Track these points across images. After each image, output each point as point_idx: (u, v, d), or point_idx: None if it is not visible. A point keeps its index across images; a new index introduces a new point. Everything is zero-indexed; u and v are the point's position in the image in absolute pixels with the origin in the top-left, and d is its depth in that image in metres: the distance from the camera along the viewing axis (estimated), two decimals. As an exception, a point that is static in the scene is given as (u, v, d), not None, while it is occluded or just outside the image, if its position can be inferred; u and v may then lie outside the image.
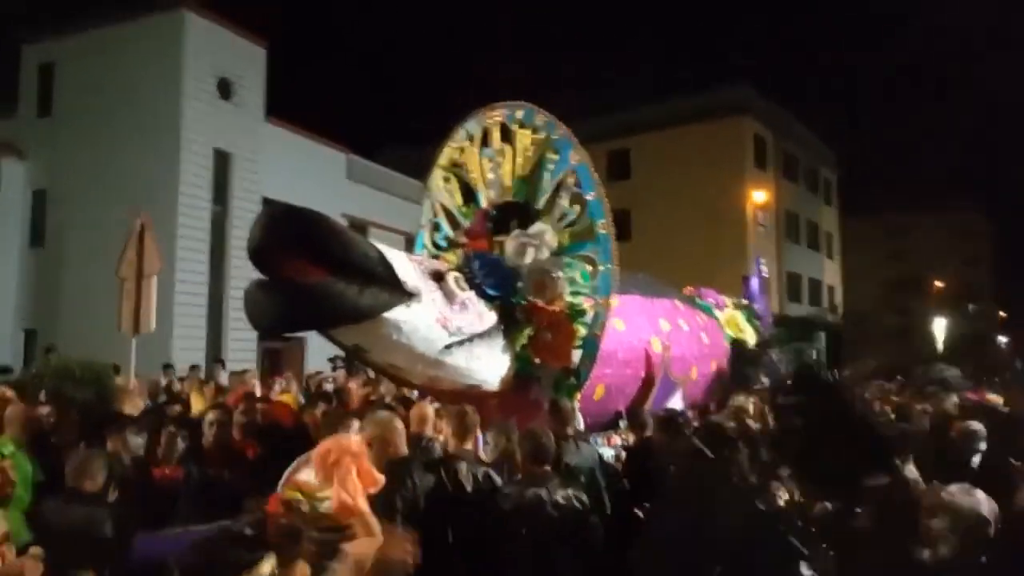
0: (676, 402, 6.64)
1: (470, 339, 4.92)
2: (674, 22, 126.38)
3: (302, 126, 20.97)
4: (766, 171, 33.71)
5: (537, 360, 5.40)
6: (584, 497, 3.88)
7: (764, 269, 10.97)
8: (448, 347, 4.76)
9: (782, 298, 33.63)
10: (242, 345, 17.57)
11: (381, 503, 3.43)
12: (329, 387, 10.32)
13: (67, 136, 18.22)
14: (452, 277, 4.95)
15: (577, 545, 3.77)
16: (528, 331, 5.38)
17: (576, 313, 5.58)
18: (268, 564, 1.87)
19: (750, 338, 8.90)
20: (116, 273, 8.36)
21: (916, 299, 55.58)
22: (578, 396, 5.54)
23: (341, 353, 17.37)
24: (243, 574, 1.81)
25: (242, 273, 17.91)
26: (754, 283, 10.67)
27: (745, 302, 9.89)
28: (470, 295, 5.08)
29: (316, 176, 20.54)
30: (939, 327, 40.97)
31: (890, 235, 61.51)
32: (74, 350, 10.50)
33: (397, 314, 4.38)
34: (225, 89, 17.95)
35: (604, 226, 5.76)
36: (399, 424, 3.83)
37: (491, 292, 5.29)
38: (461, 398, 5.11)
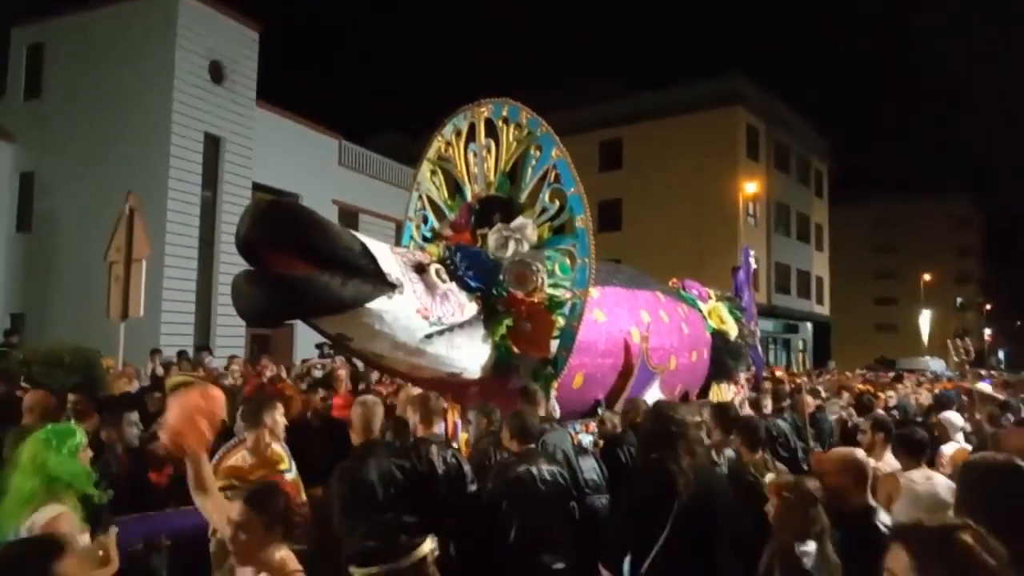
0: (654, 391, 6.76)
1: (450, 329, 5.09)
2: (667, 11, 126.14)
3: (294, 111, 20.88)
4: (758, 161, 33.79)
5: (516, 350, 5.55)
6: (565, 473, 4.20)
7: (753, 260, 11.08)
8: (428, 336, 4.93)
9: (770, 289, 33.80)
10: (230, 331, 17.54)
11: (347, 480, 3.89)
12: (318, 373, 10.35)
13: (56, 119, 18.06)
14: (434, 269, 5.09)
15: (562, 517, 4.11)
16: (508, 321, 5.52)
17: (555, 305, 5.73)
18: None
19: (732, 330, 9.06)
20: (104, 257, 8.33)
21: (904, 290, 56.06)
22: (556, 384, 5.73)
23: (328, 341, 17.44)
24: None
25: (232, 259, 17.84)
26: (741, 274, 10.76)
27: (728, 295, 10.03)
28: (451, 286, 5.23)
29: (308, 162, 20.46)
30: (925, 319, 41.37)
31: (879, 225, 61.83)
32: (62, 335, 10.49)
33: (379, 305, 4.54)
34: (217, 73, 17.82)
35: (583, 221, 5.92)
36: (379, 409, 4.19)
37: (472, 284, 5.43)
38: (442, 386, 5.36)
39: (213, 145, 17.75)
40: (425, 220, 6.64)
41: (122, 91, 17.11)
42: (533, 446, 4.27)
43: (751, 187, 29.47)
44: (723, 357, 8.73)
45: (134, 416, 4.77)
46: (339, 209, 20.98)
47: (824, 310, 41.23)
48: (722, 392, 8.52)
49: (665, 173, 31.98)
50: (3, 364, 7.93)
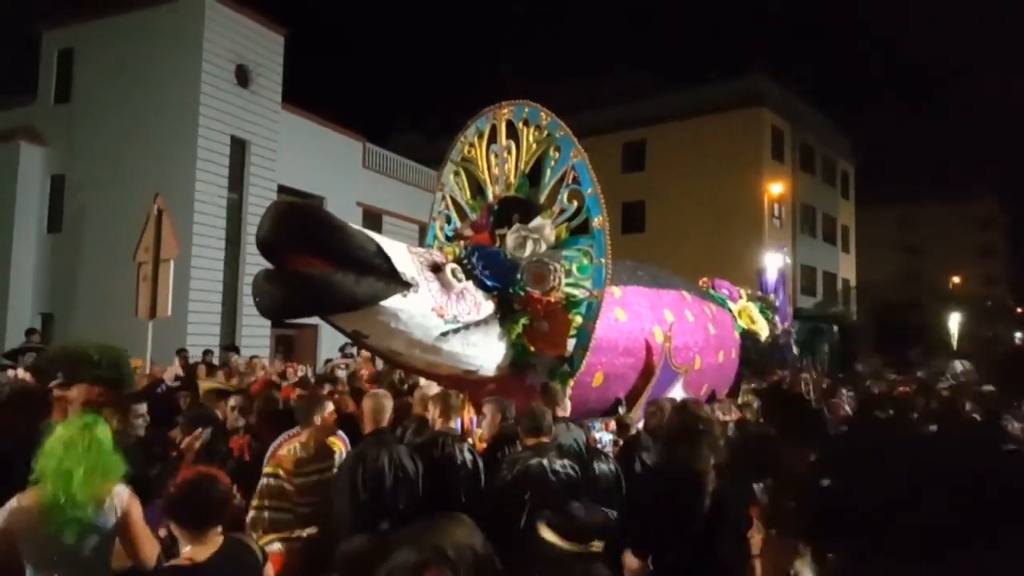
0: (677, 391, 6.76)
1: (466, 327, 5.19)
2: (691, 11, 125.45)
3: (319, 114, 21.04)
4: (783, 163, 33.47)
5: (532, 348, 5.64)
6: (577, 467, 4.32)
7: (787, 257, 11.05)
8: (444, 334, 5.05)
9: (796, 291, 33.48)
10: (256, 332, 17.70)
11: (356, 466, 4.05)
12: (342, 373, 10.41)
13: (86, 122, 18.35)
14: (449, 268, 5.19)
15: None
16: (524, 320, 5.60)
17: (572, 304, 5.81)
18: None
19: (763, 330, 8.98)
20: (133, 257, 8.44)
21: (930, 293, 55.20)
22: (571, 383, 5.79)
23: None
24: None
25: (257, 260, 17.78)
26: (770, 277, 10.70)
27: (760, 294, 9.96)
28: (467, 285, 5.34)
29: (332, 164, 20.61)
30: (954, 322, 40.71)
31: (905, 226, 61.00)
32: (91, 335, 10.63)
33: (394, 303, 4.67)
34: (243, 76, 18.01)
35: (600, 222, 5.98)
36: (388, 402, 4.48)
37: (489, 283, 5.52)
38: (460, 383, 5.50)
39: (239, 148, 17.93)
40: (448, 220, 6.76)
41: (150, 95, 17.34)
42: (546, 440, 4.38)
43: (776, 188, 29.20)
44: (752, 357, 8.69)
45: (141, 408, 4.89)
46: (363, 211, 21.11)
47: (851, 313, 40.74)
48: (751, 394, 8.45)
49: (689, 174, 31.77)
50: (36, 362, 8.05)
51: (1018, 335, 57.57)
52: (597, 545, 2.48)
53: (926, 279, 58.03)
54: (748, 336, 8.77)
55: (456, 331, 5.12)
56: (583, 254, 6.02)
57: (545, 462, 4.19)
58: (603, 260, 5.92)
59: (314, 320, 20.91)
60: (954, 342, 39.21)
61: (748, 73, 33.38)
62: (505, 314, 5.57)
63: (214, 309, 17.02)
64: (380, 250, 4.63)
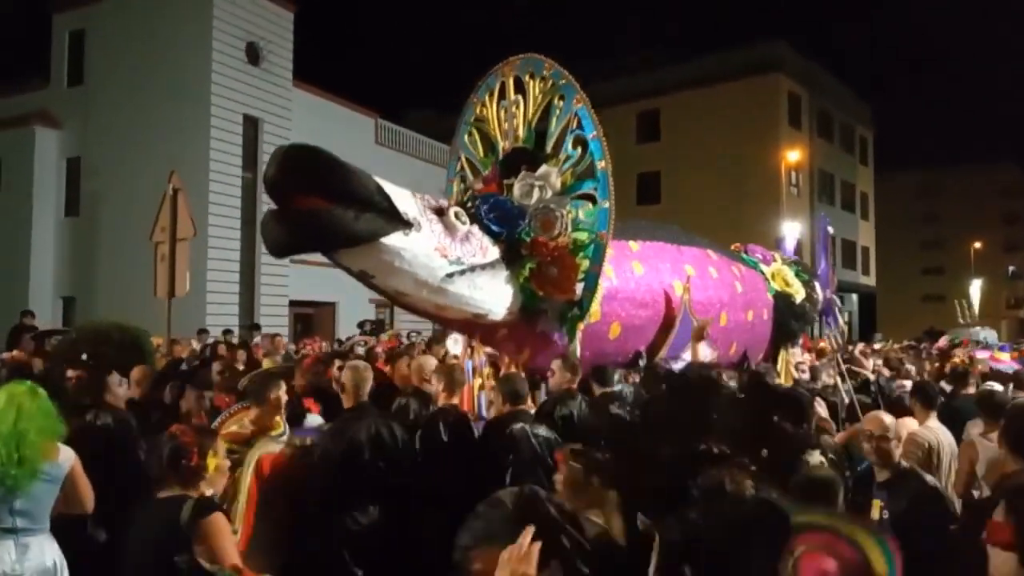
0: (700, 345, 6.71)
1: (471, 269, 5.26)
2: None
3: (330, 91, 20.95)
4: (800, 130, 33.04)
5: (541, 293, 5.70)
6: (557, 437, 4.43)
7: (830, 228, 10.87)
8: (450, 275, 5.12)
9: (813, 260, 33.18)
10: (274, 310, 17.80)
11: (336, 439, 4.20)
12: (360, 350, 10.46)
13: (99, 104, 18.37)
14: (453, 211, 5.26)
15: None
16: (531, 265, 5.66)
17: (578, 248, 5.88)
18: None
19: (798, 293, 8.89)
20: (150, 238, 8.47)
21: (952, 260, 54.65)
22: (581, 327, 5.89)
23: (371, 317, 17.64)
24: None
25: (273, 239, 18.06)
26: (788, 246, 10.57)
27: (797, 259, 9.88)
28: (473, 229, 5.40)
29: (345, 141, 20.49)
30: (976, 289, 40.30)
31: (925, 194, 60.21)
32: (112, 317, 10.73)
33: (395, 241, 4.78)
34: (253, 54, 17.94)
35: (603, 165, 6.05)
36: (369, 374, 4.59)
37: (495, 228, 5.57)
38: (471, 328, 5.68)
39: (252, 126, 17.92)
40: (463, 180, 6.87)
41: (162, 75, 17.33)
42: (524, 407, 4.57)
43: (793, 156, 28.83)
44: (786, 319, 8.60)
45: (115, 378, 4.96)
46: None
47: (870, 281, 40.40)
48: (790, 358, 8.40)
49: (704, 143, 31.43)
50: (59, 346, 8.13)
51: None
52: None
53: (947, 246, 57.44)
54: (782, 297, 8.67)
55: (462, 273, 5.18)
56: (587, 198, 6.10)
57: (528, 428, 4.37)
58: (607, 202, 5.98)
59: (332, 297, 21.02)
60: (976, 310, 38.83)
61: (765, 39, 32.87)
62: (512, 259, 5.63)
63: (232, 288, 17.11)
64: (380, 189, 4.74)
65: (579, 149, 6.12)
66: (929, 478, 3.53)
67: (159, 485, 2.86)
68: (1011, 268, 59.54)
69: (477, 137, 6.79)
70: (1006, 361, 8.80)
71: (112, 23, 18.40)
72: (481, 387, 5.60)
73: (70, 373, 5.83)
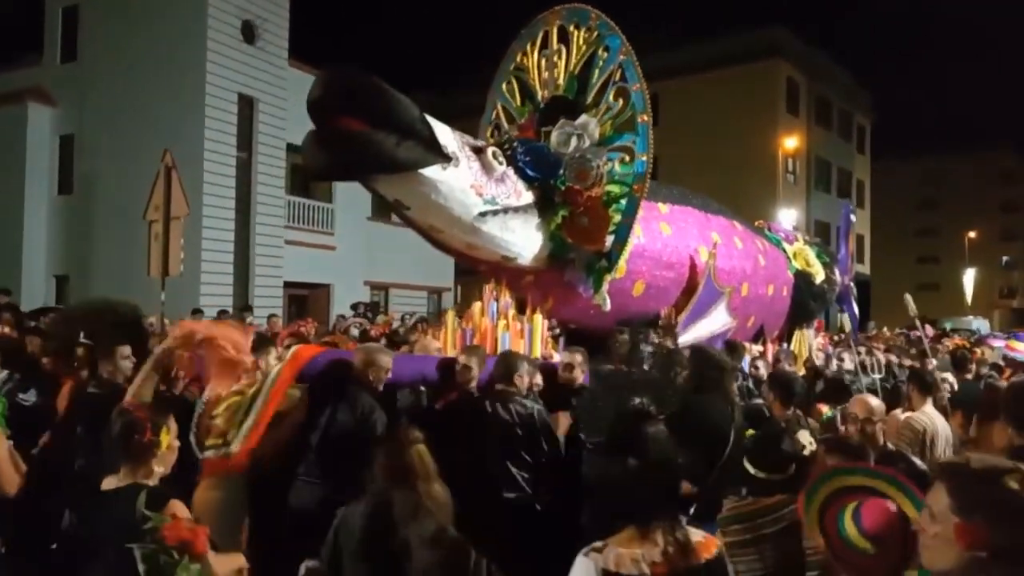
0: (720, 311, 6.94)
1: (504, 211, 5.30)
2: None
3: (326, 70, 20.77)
4: (798, 116, 32.95)
5: (571, 241, 5.72)
6: (534, 416, 4.34)
7: (853, 217, 10.94)
8: (483, 215, 5.16)
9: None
10: (269, 292, 17.74)
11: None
12: (355, 332, 10.43)
13: (93, 81, 18.18)
14: (491, 151, 5.29)
15: (515, 453, 4.28)
16: (564, 212, 5.68)
17: (611, 200, 5.92)
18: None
19: (818, 273, 8.98)
20: (143, 216, 8.41)
21: (947, 248, 54.73)
22: (608, 279, 5.90)
23: (364, 300, 17.61)
24: None
25: (268, 220, 17.98)
26: (840, 229, 10.77)
27: (819, 240, 10.02)
28: (508, 171, 5.42)
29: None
30: (970, 277, 40.39)
31: (922, 182, 60.19)
32: (106, 295, 10.65)
33: (433, 173, 4.79)
34: (249, 33, 17.75)
35: (644, 117, 6.10)
36: (385, 357, 4.42)
37: (531, 172, 5.59)
38: (498, 270, 5.76)
39: (247, 106, 17.75)
40: (498, 127, 6.95)
41: (156, 52, 17.13)
42: (512, 390, 4.41)
43: (791, 143, 28.79)
44: (805, 298, 8.76)
45: (126, 350, 4.79)
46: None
47: (865, 269, 40.45)
48: (805, 339, 8.46)
49: (702, 129, 31.33)
50: (52, 325, 8.06)
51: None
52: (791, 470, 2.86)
53: (942, 235, 57.51)
54: (802, 276, 8.75)
55: (495, 213, 5.21)
56: (624, 151, 6.12)
57: (499, 408, 4.30)
58: (645, 155, 6.00)
59: (327, 279, 20.95)
60: (969, 297, 38.93)
61: (765, 25, 32.70)
62: (545, 205, 5.65)
63: (226, 269, 17.02)
64: (423, 118, 4.72)
65: (620, 101, 6.16)
66: (917, 461, 3.53)
67: (109, 468, 2.73)
68: (1005, 258, 59.69)
69: (516, 85, 6.84)
70: (1022, 350, 8.76)
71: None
72: (506, 328, 5.52)
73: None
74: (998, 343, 10.85)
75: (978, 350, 10.39)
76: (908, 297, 8.12)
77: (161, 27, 17.12)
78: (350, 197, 20.86)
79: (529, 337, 5.55)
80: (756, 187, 29.88)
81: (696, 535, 2.14)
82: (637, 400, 3.61)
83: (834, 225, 36.44)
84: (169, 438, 2.74)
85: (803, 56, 33.24)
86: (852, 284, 10.63)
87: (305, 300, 20.39)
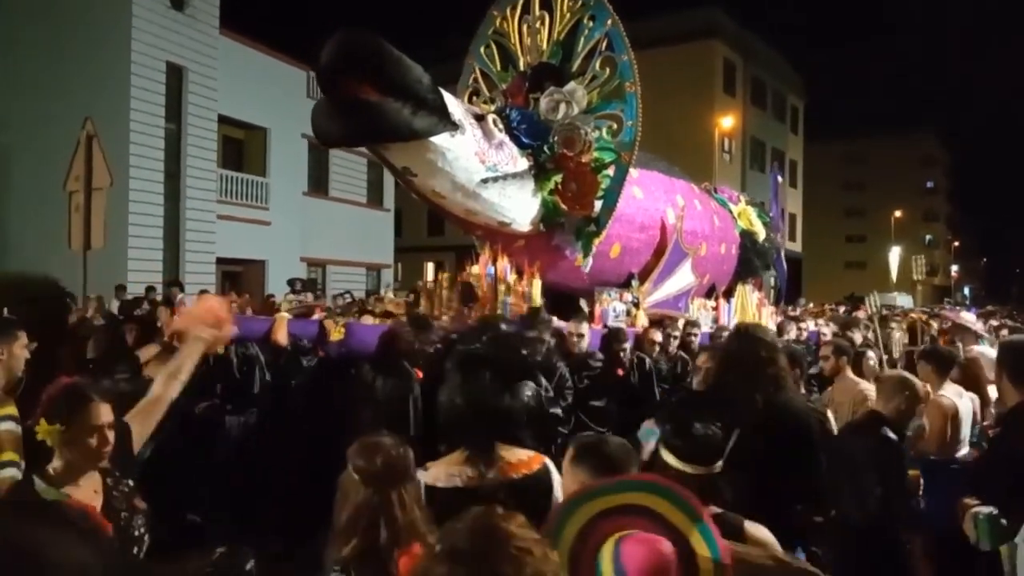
0: (685, 271, 7.33)
1: (503, 177, 5.46)
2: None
3: (261, 41, 20.16)
4: (735, 97, 33.43)
5: (563, 207, 5.92)
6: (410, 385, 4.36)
7: (780, 178, 11.58)
8: (484, 181, 5.32)
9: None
10: (200, 267, 17.24)
11: None
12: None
13: (11, 49, 17.23)
14: (491, 119, 5.46)
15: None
16: (556, 179, 5.87)
17: (599, 167, 6.11)
18: None
19: (760, 232, 9.47)
20: (63, 187, 8.03)
21: (873, 227, 56.62)
22: (596, 242, 6.17)
23: (301, 276, 17.26)
24: None
25: (199, 194, 17.43)
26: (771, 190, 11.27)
27: (759, 201, 10.56)
28: (506, 138, 5.59)
29: (275, 94, 19.86)
30: (895, 255, 41.86)
31: (850, 162, 62.01)
32: (24, 271, 10.18)
33: (442, 141, 4.89)
34: (177, -1, 17.06)
35: (632, 86, 6.33)
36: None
37: (524, 140, 5.75)
38: (494, 235, 5.99)
39: (176, 75, 17.08)
40: (476, 93, 7.02)
41: (78, 19, 16.33)
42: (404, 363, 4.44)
43: (727, 122, 29.20)
44: (750, 256, 9.27)
45: (25, 338, 4.53)
46: (308, 144, 20.48)
47: (796, 247, 41.52)
48: (747, 294, 8.84)
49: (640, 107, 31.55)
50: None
51: (954, 268, 59.68)
52: (719, 466, 2.36)
53: (869, 214, 59.45)
54: (747, 236, 9.23)
55: (495, 180, 5.37)
56: (612, 119, 6.32)
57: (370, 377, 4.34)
58: (633, 123, 6.25)
59: (262, 255, 20.45)
60: (894, 275, 40.38)
61: (702, 5, 32.98)
62: (538, 172, 5.83)
63: (155, 245, 16.45)
64: (434, 86, 4.76)
65: (607, 70, 6.32)
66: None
67: None
68: (927, 237, 62.04)
69: (495, 50, 6.91)
70: (972, 321, 9.26)
71: (22, -41, 17.22)
72: (507, 291, 5.83)
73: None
74: (950, 313, 11.65)
75: (933, 323, 11.14)
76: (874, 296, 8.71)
77: (82, -10, 16.30)
78: (285, 171, 20.39)
79: (529, 299, 5.87)
80: (693, 165, 30.04)
81: (519, 454, 2.46)
82: (476, 346, 3.76)
83: (767, 203, 37.32)
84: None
85: (739, 37, 33.69)
86: (784, 242, 11.32)
87: (239, 276, 19.91)
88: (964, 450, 4.54)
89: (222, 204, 18.37)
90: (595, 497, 1.70)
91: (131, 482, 2.44)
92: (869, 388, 4.61)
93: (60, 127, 13.74)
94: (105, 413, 2.30)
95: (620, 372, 5.51)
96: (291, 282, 15.12)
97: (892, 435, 3.42)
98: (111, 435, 2.32)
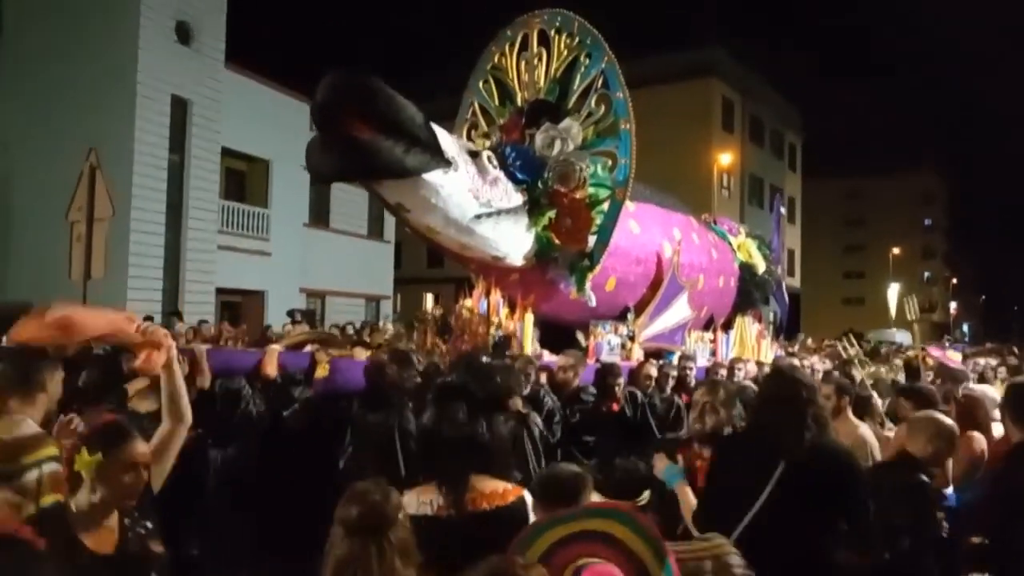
0: (681, 304, 7.33)
1: (497, 213, 5.51)
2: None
3: (265, 74, 20.44)
4: (732, 134, 33.78)
5: (557, 241, 5.98)
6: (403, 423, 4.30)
7: (783, 209, 11.58)
8: (478, 217, 5.37)
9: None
10: (200, 297, 17.29)
11: None
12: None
13: (17, 79, 17.48)
14: (486, 155, 5.52)
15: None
16: (550, 214, 5.92)
17: (594, 203, 6.16)
18: None
19: (759, 265, 9.46)
20: (65, 217, 8.11)
21: (872, 264, 56.77)
22: (591, 276, 6.20)
23: (300, 307, 17.30)
24: None
25: (200, 224, 17.54)
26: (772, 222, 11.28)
27: (759, 233, 10.56)
28: (500, 174, 5.63)
29: (279, 126, 20.08)
30: (893, 292, 41.93)
31: (849, 199, 62.40)
32: (25, 300, 10.22)
33: (436, 177, 4.95)
34: (184, 33, 17.33)
35: (626, 124, 6.40)
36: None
37: (519, 176, 5.81)
38: (488, 269, 6.03)
39: (180, 107, 17.30)
40: (475, 127, 7.11)
41: (85, 52, 16.57)
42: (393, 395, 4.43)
43: (725, 159, 29.46)
44: (750, 288, 9.28)
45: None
46: (309, 176, 20.62)
47: (795, 283, 41.60)
48: (746, 326, 8.85)
49: (641, 144, 31.68)
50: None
51: (952, 305, 59.67)
52: (645, 497, 2.57)
53: (868, 251, 59.69)
54: (747, 268, 9.24)
55: (489, 215, 5.42)
56: (607, 155, 6.38)
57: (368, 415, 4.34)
58: (627, 160, 6.29)
59: (261, 286, 20.48)
60: (892, 312, 40.41)
61: (700, 44, 33.47)
62: (532, 207, 5.88)
63: (155, 274, 16.53)
64: (428, 124, 4.84)
65: (602, 107, 6.42)
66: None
67: None
68: (926, 273, 62.20)
69: (493, 85, 7.00)
70: (957, 361, 9.31)
71: (32, -5, 17.55)
72: (498, 326, 5.87)
73: None
74: (937, 352, 11.61)
75: (930, 360, 11.09)
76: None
77: (90, 23, 16.59)
78: (287, 203, 20.55)
79: (520, 334, 5.93)
80: (692, 201, 30.05)
81: (495, 485, 2.51)
82: (451, 377, 3.80)
83: (767, 238, 37.46)
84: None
85: (736, 75, 34.13)
86: (783, 272, 11.27)
87: (238, 307, 19.96)
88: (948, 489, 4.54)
89: (223, 235, 18.49)
90: (554, 526, 1.74)
91: (150, 524, 2.37)
92: (867, 432, 4.52)
93: (64, 157, 13.90)
94: (142, 451, 2.29)
95: (615, 407, 5.51)
96: (290, 313, 15.19)
97: (924, 477, 3.40)
98: (145, 475, 2.30)
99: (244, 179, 21.11)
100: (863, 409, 5.37)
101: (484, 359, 4.62)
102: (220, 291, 18.37)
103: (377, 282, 24.11)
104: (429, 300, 6.90)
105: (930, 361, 10.93)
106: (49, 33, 17.02)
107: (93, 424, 2.33)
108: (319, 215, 22.39)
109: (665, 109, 31.46)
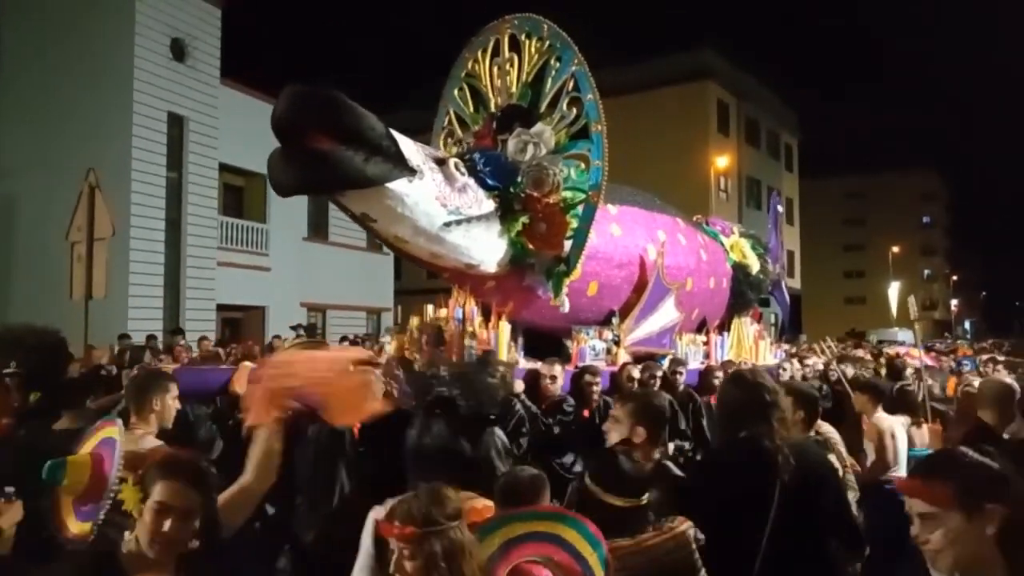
0: (668, 307, 7.23)
1: (468, 220, 5.43)
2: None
3: (260, 90, 20.48)
4: (728, 136, 33.83)
5: (531, 247, 5.90)
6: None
7: (780, 208, 11.51)
8: (447, 224, 5.28)
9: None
10: (201, 315, 17.28)
11: None
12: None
13: (14, 99, 17.53)
14: (452, 162, 5.42)
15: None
16: (524, 219, 5.85)
17: (569, 207, 6.09)
18: None
19: (753, 264, 9.42)
20: (66, 237, 8.10)
21: (872, 263, 56.78)
22: (567, 282, 6.12)
23: (303, 322, 17.29)
24: None
25: (199, 241, 17.54)
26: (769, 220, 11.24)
27: (753, 232, 10.51)
28: (470, 181, 5.56)
29: (275, 141, 20.02)
30: (894, 290, 41.99)
31: (848, 199, 62.48)
32: (28, 319, 10.19)
33: (400, 186, 4.89)
34: (179, 50, 17.38)
35: (598, 126, 6.25)
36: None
37: (490, 182, 5.74)
38: (462, 277, 5.95)
39: (177, 124, 17.34)
40: (451, 135, 7.05)
41: (81, 70, 16.63)
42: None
43: (722, 161, 29.51)
44: (743, 289, 9.20)
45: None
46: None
47: (795, 283, 41.62)
48: (743, 327, 8.80)
49: (635, 149, 31.79)
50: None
51: (954, 302, 59.63)
52: (646, 497, 2.41)
53: (868, 250, 59.73)
54: (740, 268, 9.18)
55: (459, 223, 5.34)
56: (580, 158, 6.29)
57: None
58: (600, 163, 6.17)
59: (262, 301, 20.49)
60: (894, 310, 40.43)
61: (695, 47, 33.56)
62: (505, 213, 5.82)
63: (156, 292, 16.52)
64: (389, 133, 4.81)
65: (573, 110, 6.33)
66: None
67: None
68: (926, 271, 62.24)
69: (467, 92, 6.95)
70: (917, 356, 9.69)
71: (29, 15, 17.58)
72: (472, 335, 5.73)
73: None
74: (902, 351, 11.96)
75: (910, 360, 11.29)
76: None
77: (87, 43, 16.64)
78: (285, 217, 20.54)
79: (495, 344, 5.76)
80: (690, 204, 30.25)
81: (476, 502, 2.47)
82: (443, 389, 3.76)
83: (764, 240, 37.48)
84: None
85: (732, 78, 34.21)
86: (784, 273, 11.19)
87: (239, 323, 19.94)
88: (901, 471, 4.95)
89: (222, 251, 18.48)
90: (509, 522, 1.93)
91: None
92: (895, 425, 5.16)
93: (62, 176, 13.91)
94: (175, 496, 2.00)
95: (586, 413, 5.44)
96: (294, 327, 15.19)
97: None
98: (178, 526, 1.99)
99: (242, 194, 21.12)
100: (902, 404, 5.86)
101: (462, 371, 4.54)
102: (221, 307, 18.36)
103: (378, 294, 24.10)
104: (430, 311, 6.83)
105: (910, 360, 11.11)
106: (48, 59, 17.06)
107: (154, 456, 2.14)
108: (318, 229, 22.39)
109: (661, 113, 31.56)
